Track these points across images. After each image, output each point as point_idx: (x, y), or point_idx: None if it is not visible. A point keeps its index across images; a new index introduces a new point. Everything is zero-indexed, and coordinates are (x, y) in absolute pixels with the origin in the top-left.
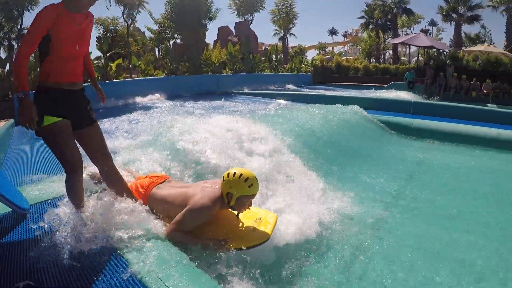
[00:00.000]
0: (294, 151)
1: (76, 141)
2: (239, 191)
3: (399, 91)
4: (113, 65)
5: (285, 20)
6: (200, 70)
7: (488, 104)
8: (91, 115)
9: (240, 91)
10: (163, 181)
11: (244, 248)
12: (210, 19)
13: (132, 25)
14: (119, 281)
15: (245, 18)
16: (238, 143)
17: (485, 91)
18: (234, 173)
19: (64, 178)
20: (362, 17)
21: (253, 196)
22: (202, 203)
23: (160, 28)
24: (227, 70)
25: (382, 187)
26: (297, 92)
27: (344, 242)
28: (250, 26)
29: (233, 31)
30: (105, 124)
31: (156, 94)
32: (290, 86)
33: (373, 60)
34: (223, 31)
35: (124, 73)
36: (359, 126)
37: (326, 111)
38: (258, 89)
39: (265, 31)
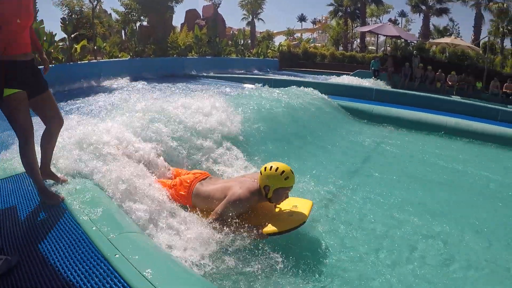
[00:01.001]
0: (252, 132)
1: (31, 110)
2: (275, 184)
3: (364, 79)
4: (78, 47)
5: (253, 4)
6: (166, 53)
7: (452, 96)
8: (43, 82)
9: (205, 74)
10: (205, 178)
11: (283, 231)
12: (177, 2)
13: (98, 7)
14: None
15: (213, 1)
16: (194, 123)
17: (450, 83)
18: (271, 167)
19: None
20: (331, 4)
21: (289, 188)
22: (240, 193)
23: (127, 10)
24: (193, 53)
25: (337, 169)
26: (261, 76)
27: None
28: (218, 10)
29: (201, 15)
30: (68, 106)
31: (121, 76)
32: (256, 71)
33: (341, 48)
34: (190, 14)
35: (89, 55)
36: (319, 110)
37: (288, 94)
38: (224, 73)
39: (233, 15)
